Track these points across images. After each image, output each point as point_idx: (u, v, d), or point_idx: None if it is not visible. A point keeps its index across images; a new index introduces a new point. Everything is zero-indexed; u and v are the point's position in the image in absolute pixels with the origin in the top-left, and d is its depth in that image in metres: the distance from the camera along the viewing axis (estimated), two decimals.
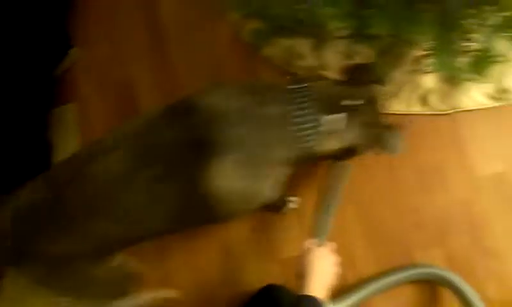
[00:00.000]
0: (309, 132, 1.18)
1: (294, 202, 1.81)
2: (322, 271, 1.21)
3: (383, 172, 1.81)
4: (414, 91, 1.82)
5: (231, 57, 2.01)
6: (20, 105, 1.82)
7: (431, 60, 1.24)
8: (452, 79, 1.24)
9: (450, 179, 1.77)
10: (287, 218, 1.82)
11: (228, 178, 1.16)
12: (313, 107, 1.18)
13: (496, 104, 1.78)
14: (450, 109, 1.80)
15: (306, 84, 1.21)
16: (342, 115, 1.19)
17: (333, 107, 1.20)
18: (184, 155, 1.17)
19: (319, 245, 1.29)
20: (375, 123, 1.28)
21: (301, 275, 1.20)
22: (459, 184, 1.77)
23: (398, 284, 1.67)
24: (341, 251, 1.73)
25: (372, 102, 1.28)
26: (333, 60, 1.91)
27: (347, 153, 1.32)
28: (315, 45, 1.71)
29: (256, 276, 1.78)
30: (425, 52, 1.26)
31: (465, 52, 1.29)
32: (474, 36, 1.29)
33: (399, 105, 1.83)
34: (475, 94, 1.78)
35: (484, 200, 1.74)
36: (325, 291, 1.19)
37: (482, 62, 1.24)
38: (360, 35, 1.19)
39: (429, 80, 1.74)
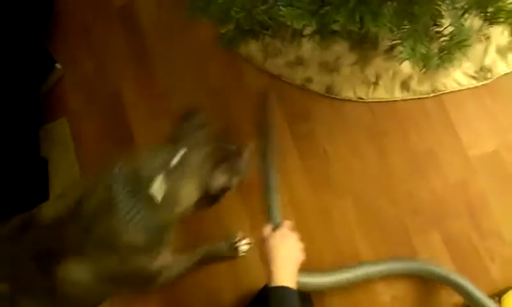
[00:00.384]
0: (137, 216, 1.17)
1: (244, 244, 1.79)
2: (286, 253, 1.18)
3: (375, 160, 1.79)
4: (394, 78, 1.80)
5: (213, 59, 2.02)
6: (10, 126, 1.86)
7: (400, 49, 1.22)
8: (426, 66, 1.21)
9: (443, 162, 1.74)
10: None
11: (77, 273, 1.19)
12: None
13: (480, 83, 1.75)
14: (433, 92, 1.78)
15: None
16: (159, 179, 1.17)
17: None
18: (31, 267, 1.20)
19: (276, 228, 1.27)
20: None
21: (266, 263, 1.18)
22: (452, 166, 1.73)
23: (392, 274, 1.65)
24: (341, 242, 1.77)
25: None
26: (307, 53, 1.91)
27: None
28: (285, 42, 1.70)
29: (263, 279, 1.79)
30: (394, 41, 1.23)
31: (436, 37, 1.27)
32: (443, 20, 1.26)
33: (381, 92, 1.82)
34: (457, 76, 1.75)
35: (479, 180, 1.70)
36: (293, 273, 1.17)
37: (452, 46, 1.21)
38: (324, 32, 1.18)
39: (407, 66, 1.72)
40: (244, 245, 1.77)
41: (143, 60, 2.08)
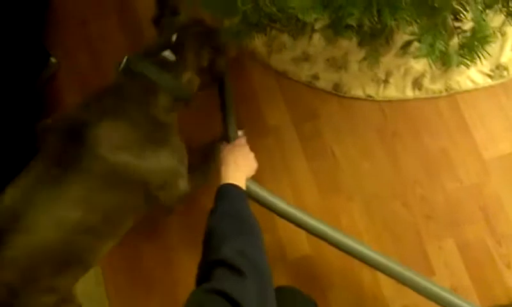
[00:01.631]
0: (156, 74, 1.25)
1: None
2: (237, 158, 1.24)
3: (386, 162, 1.71)
4: (406, 76, 1.72)
5: None
6: (5, 121, 1.79)
7: (417, 45, 1.13)
8: (443, 63, 1.13)
9: (457, 164, 1.66)
10: None
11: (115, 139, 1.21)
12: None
13: (496, 82, 1.67)
14: (447, 91, 1.70)
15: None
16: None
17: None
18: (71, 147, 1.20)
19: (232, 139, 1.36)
20: None
21: (223, 164, 1.23)
22: (466, 168, 1.65)
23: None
24: None
25: None
26: (313, 48, 1.83)
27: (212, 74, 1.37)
28: (294, 36, 1.62)
29: None
30: (411, 37, 1.15)
31: (456, 33, 1.18)
32: (464, 14, 1.17)
33: (392, 91, 1.74)
34: (472, 74, 1.67)
35: (495, 183, 1.62)
36: (243, 176, 1.23)
37: (473, 43, 1.13)
38: (337, 26, 1.10)
39: (420, 63, 1.64)
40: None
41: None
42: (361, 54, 1.79)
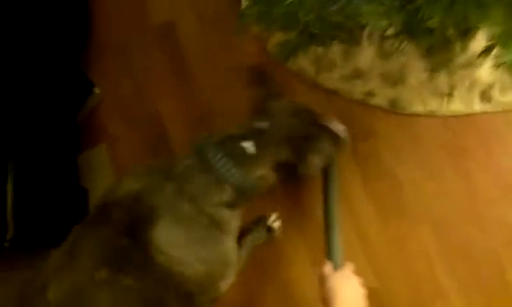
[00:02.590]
0: (225, 167, 1.13)
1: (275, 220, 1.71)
2: (347, 297, 1.08)
3: (456, 182, 1.56)
4: (472, 88, 1.57)
5: None
6: (48, 154, 1.73)
7: (495, 51, 1.00)
8: None
9: None
10: None
11: (170, 238, 1.10)
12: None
13: None
14: None
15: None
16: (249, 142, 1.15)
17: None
18: (123, 245, 1.10)
19: (336, 268, 1.18)
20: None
21: (324, 302, 1.07)
22: None
23: None
24: (420, 278, 1.53)
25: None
26: (366, 64, 1.71)
27: (289, 173, 1.20)
28: (347, 50, 1.50)
29: None
30: (489, 42, 1.01)
31: None
32: None
33: (457, 105, 1.59)
34: None
35: None
36: None
37: None
38: (408, 31, 0.98)
39: (489, 73, 1.49)
40: (276, 222, 1.70)
41: (183, 81, 1.91)
42: (421, 66, 1.65)
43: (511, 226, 1.49)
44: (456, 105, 1.61)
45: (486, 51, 1.18)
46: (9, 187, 1.53)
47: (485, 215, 1.51)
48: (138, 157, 1.91)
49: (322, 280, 1.14)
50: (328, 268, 1.17)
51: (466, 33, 1.06)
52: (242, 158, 1.14)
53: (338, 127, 1.29)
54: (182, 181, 1.13)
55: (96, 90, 1.98)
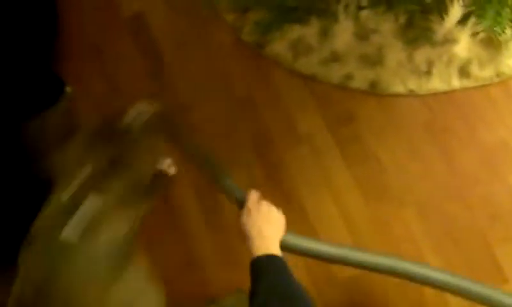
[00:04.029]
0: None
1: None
2: (261, 227, 1.00)
3: (438, 161, 1.56)
4: (450, 64, 1.56)
5: (236, 64, 1.79)
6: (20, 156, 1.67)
7: (472, 19, 0.98)
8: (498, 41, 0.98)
9: None
10: None
11: None
12: None
13: None
14: (498, 77, 1.54)
15: None
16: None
17: None
18: None
19: (243, 202, 1.07)
20: None
21: (246, 237, 1.00)
22: None
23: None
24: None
25: None
26: (343, 46, 1.68)
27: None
28: (323, 31, 1.47)
29: None
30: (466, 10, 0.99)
31: None
32: None
33: (436, 82, 1.58)
34: None
35: None
36: (276, 238, 1.01)
37: None
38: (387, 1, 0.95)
39: (466, 49, 1.48)
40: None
41: (159, 74, 1.86)
42: (399, 46, 1.64)
43: (495, 202, 1.48)
44: (436, 83, 1.60)
45: (463, 20, 1.16)
46: None
47: (469, 193, 1.51)
48: None
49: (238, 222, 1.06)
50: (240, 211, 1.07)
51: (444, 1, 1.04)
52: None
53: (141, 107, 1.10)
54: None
55: (68, 89, 1.91)
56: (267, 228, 1.01)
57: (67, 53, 1.96)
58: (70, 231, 0.94)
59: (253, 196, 1.07)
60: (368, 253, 1.13)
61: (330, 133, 1.69)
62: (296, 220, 1.63)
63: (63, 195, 0.97)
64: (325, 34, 1.72)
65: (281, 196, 1.66)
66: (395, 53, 1.65)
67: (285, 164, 1.70)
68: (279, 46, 1.77)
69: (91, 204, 0.95)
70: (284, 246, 1.02)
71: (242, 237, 1.01)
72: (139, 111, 1.05)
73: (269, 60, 1.78)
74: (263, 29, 1.05)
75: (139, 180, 1.01)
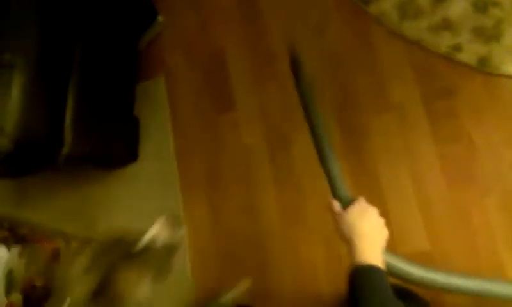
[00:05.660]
0: None
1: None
2: (369, 229, 0.96)
3: None
4: None
5: (335, 15, 1.72)
6: (108, 77, 1.73)
7: None
8: None
9: None
10: None
11: None
12: None
13: None
14: None
15: None
16: None
17: None
18: None
19: (345, 204, 1.02)
20: None
21: (346, 241, 0.95)
22: None
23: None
24: (481, 254, 1.42)
25: None
26: (458, 14, 1.54)
27: None
28: None
29: None
30: None
31: None
32: None
33: None
34: None
35: None
36: (380, 251, 0.94)
37: None
38: None
39: None
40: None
41: (250, 15, 1.84)
42: None
43: None
44: None
45: None
46: (69, 103, 1.54)
47: None
48: (195, 91, 1.89)
49: (335, 221, 1.02)
50: (336, 206, 1.03)
51: None
52: None
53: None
54: None
55: (160, 18, 1.95)
56: (377, 234, 0.97)
57: None
58: None
59: (362, 200, 1.02)
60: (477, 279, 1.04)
61: (423, 104, 1.59)
62: (367, 185, 1.57)
63: None
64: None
65: (356, 160, 1.61)
66: None
67: (367, 128, 1.65)
68: (386, 4, 1.68)
69: None
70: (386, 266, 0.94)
71: (340, 235, 0.98)
72: (159, 233, 0.97)
73: (371, 18, 1.70)
74: None
75: None
